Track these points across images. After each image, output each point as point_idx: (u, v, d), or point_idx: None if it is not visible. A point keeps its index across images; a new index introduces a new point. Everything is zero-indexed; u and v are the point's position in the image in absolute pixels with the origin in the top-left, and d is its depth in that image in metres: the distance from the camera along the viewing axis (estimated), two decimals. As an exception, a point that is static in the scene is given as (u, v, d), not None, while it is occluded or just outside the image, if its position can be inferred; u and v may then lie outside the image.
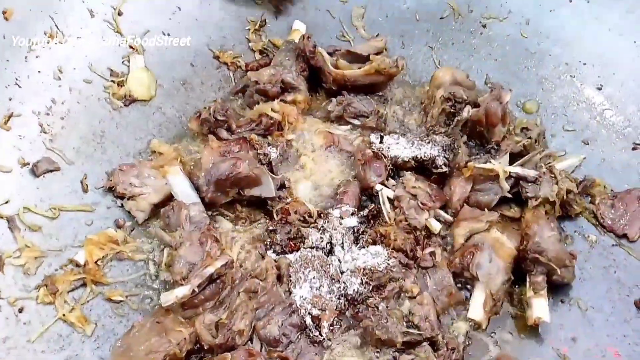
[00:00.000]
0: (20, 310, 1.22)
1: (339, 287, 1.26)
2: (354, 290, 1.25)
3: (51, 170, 1.37)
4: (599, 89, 1.58)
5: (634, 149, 1.50)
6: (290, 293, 1.25)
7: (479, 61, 1.66)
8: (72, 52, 1.46)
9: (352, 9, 1.71)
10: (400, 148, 1.44)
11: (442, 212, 1.39)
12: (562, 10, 1.63)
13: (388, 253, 1.30)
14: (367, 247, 1.32)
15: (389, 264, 1.28)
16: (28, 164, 1.35)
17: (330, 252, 1.33)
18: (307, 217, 1.35)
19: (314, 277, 1.26)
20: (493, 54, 1.67)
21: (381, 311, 1.23)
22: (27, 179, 1.34)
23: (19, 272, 1.26)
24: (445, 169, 1.42)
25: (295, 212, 1.35)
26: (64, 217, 1.35)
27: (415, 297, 1.26)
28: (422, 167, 1.44)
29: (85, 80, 1.47)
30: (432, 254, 1.33)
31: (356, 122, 1.53)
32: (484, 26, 1.69)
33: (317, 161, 1.47)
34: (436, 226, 1.36)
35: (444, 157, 1.42)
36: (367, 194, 1.43)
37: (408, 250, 1.31)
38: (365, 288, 1.25)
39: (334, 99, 1.54)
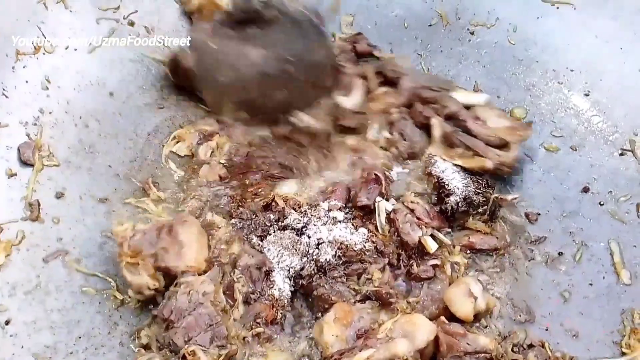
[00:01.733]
0: (7, 323, 1.21)
1: (312, 252, 1.30)
2: (325, 259, 1.29)
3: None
4: (587, 95, 1.59)
5: (621, 154, 1.51)
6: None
7: (467, 68, 1.67)
8: (59, 61, 1.46)
9: (341, 17, 1.71)
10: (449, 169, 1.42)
11: (439, 233, 1.36)
12: (549, 17, 1.64)
13: (368, 236, 1.33)
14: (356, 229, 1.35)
15: (365, 246, 1.31)
16: (15, 174, 1.34)
17: (302, 231, 1.35)
18: (296, 207, 1.38)
19: (285, 255, 1.30)
20: (481, 60, 1.68)
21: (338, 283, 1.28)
22: (14, 190, 1.33)
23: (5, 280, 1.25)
24: (448, 205, 1.38)
25: (286, 202, 1.38)
26: (53, 227, 1.34)
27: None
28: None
29: (73, 90, 1.47)
30: (436, 266, 1.33)
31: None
32: (472, 33, 1.70)
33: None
34: (432, 245, 1.33)
35: (458, 202, 1.38)
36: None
37: (402, 265, 1.32)
38: (336, 261, 1.29)
39: (376, 126, 1.53)
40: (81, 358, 1.23)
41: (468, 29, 1.70)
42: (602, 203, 1.46)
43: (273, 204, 1.39)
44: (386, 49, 1.70)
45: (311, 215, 1.36)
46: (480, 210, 1.40)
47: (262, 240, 1.34)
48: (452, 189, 1.38)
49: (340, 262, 1.30)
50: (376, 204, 1.38)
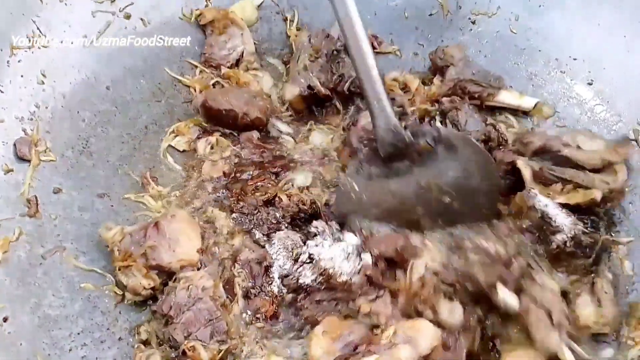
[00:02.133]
0: (5, 320, 1.20)
1: (296, 269, 1.27)
2: (304, 282, 1.25)
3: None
4: (590, 84, 1.57)
5: (625, 144, 1.49)
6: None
7: (469, 58, 1.65)
8: (55, 55, 1.44)
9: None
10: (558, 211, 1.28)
11: (575, 345, 1.17)
12: (552, 6, 1.61)
13: (364, 267, 1.23)
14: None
15: (351, 279, 1.23)
16: (12, 170, 1.33)
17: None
18: (300, 205, 1.36)
19: (281, 255, 1.30)
20: (483, 50, 1.66)
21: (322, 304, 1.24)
22: (11, 186, 1.32)
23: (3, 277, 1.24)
24: (554, 245, 1.27)
25: (289, 198, 1.36)
26: (50, 223, 1.33)
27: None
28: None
29: (69, 84, 1.45)
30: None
31: None
32: (473, 22, 1.67)
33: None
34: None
35: (565, 241, 1.26)
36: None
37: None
38: (317, 286, 1.25)
39: None
40: (80, 354, 1.22)
41: (469, 18, 1.67)
42: (605, 193, 1.44)
43: (276, 199, 1.38)
44: (386, 40, 1.68)
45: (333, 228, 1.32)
46: (587, 252, 1.28)
47: (268, 237, 1.34)
48: (560, 226, 1.26)
49: (323, 287, 1.25)
50: (411, 262, 1.23)
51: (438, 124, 1.48)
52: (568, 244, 1.26)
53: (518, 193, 1.33)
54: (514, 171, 1.38)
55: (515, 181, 1.38)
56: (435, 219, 1.31)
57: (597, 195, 1.29)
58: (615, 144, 1.39)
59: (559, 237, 1.26)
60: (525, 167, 1.36)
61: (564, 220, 1.27)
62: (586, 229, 1.28)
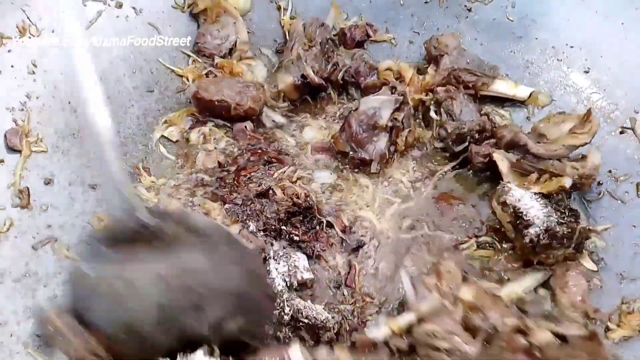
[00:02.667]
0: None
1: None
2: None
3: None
4: (586, 72, 1.55)
5: (621, 132, 1.48)
6: None
7: (464, 46, 1.62)
8: (46, 45, 1.42)
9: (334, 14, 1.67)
10: (534, 204, 1.26)
11: None
12: (548, -8, 1.60)
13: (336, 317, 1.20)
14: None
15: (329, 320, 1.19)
16: (3, 161, 1.32)
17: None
18: (294, 198, 1.36)
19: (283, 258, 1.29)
20: (479, 38, 1.64)
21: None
22: (1, 176, 1.31)
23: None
24: (527, 239, 1.24)
25: (283, 191, 1.35)
26: (42, 214, 1.32)
27: None
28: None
29: (61, 74, 1.43)
30: None
31: None
32: (469, 10, 1.65)
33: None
34: None
35: (539, 234, 1.23)
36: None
37: None
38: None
39: None
40: (72, 345, 1.22)
41: (465, 6, 1.66)
42: (601, 182, 1.43)
43: (270, 192, 1.37)
44: (381, 28, 1.67)
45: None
46: (564, 242, 1.24)
47: (264, 231, 1.33)
48: (532, 219, 1.24)
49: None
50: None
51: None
52: (542, 237, 1.23)
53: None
54: (491, 164, 1.39)
55: (493, 174, 1.39)
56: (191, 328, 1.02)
57: (567, 182, 1.28)
58: (579, 123, 1.35)
59: (531, 231, 1.24)
60: (502, 159, 1.36)
61: (537, 213, 1.24)
62: (563, 219, 1.24)
